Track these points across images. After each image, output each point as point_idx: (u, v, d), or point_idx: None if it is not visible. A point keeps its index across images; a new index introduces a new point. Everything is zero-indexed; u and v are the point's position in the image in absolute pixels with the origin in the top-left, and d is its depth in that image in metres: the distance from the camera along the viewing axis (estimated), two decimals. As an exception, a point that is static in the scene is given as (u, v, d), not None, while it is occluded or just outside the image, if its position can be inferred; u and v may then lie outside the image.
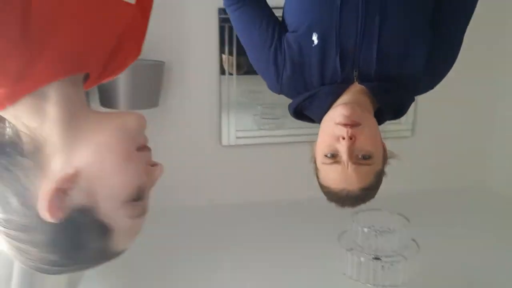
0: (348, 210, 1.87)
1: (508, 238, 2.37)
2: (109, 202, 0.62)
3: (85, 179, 0.60)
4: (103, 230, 0.62)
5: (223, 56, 2.63)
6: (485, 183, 3.08)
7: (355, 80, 1.16)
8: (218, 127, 2.72)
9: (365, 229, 1.80)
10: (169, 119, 2.65)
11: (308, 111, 1.22)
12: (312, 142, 1.18)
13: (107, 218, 0.62)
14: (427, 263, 1.85)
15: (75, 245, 0.62)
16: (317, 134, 1.16)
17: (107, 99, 2.38)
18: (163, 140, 2.58)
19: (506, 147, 3.02)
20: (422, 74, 1.17)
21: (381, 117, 1.18)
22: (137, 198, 0.64)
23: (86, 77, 0.71)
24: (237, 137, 2.74)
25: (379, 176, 1.13)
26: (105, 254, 0.65)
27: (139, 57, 2.63)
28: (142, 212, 0.66)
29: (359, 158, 1.07)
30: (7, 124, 0.60)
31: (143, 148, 0.68)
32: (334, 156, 1.09)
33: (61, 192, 0.58)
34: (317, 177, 1.17)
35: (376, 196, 2.22)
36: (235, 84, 2.66)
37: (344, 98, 1.14)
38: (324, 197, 1.17)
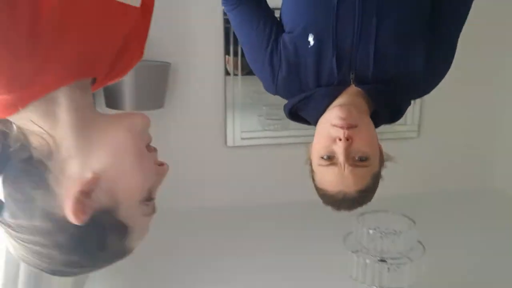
0: (353, 212, 1.88)
1: (515, 240, 2.36)
2: (128, 201, 0.64)
3: (106, 181, 0.62)
4: (123, 229, 0.65)
5: (227, 57, 2.63)
6: (491, 184, 3.06)
7: (351, 82, 1.14)
8: (223, 128, 2.72)
9: (371, 231, 1.79)
10: (175, 120, 2.65)
11: (303, 112, 1.21)
12: (308, 144, 1.17)
13: (126, 217, 0.64)
14: (433, 265, 1.84)
15: (98, 246, 0.64)
16: None
17: (113, 100, 2.39)
18: (168, 141, 2.59)
19: (513, 148, 3.00)
20: (421, 75, 1.16)
21: (377, 120, 1.17)
22: (149, 197, 0.67)
23: (93, 81, 0.71)
24: (242, 138, 2.74)
25: (376, 178, 1.12)
26: (122, 253, 0.67)
27: (145, 58, 2.64)
28: (153, 211, 0.69)
29: (356, 160, 1.06)
30: (17, 130, 0.60)
31: (150, 148, 0.70)
32: (330, 158, 1.07)
33: (84, 194, 0.60)
34: (313, 180, 1.15)
35: (382, 197, 2.20)
36: (240, 85, 2.65)
37: (340, 100, 1.13)
38: None
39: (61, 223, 0.60)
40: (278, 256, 2.16)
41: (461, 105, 2.96)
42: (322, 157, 1.08)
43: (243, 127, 2.72)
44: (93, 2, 0.61)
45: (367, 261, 1.73)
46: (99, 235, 0.63)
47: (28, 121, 0.60)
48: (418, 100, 2.89)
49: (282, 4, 1.22)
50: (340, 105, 1.10)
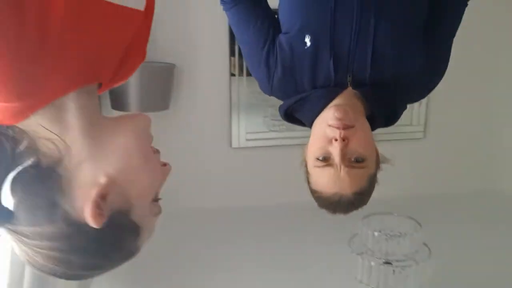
0: (358, 214, 1.87)
1: (522, 242, 2.34)
2: (140, 202, 0.66)
3: (119, 184, 0.63)
4: (136, 230, 0.66)
5: (232, 58, 2.63)
6: (497, 185, 3.04)
7: (348, 85, 1.13)
8: (228, 129, 2.72)
9: (376, 233, 1.78)
10: (180, 121, 2.65)
11: (299, 113, 1.20)
12: (303, 146, 1.16)
13: (138, 218, 0.66)
14: (439, 268, 1.82)
15: (115, 247, 0.65)
16: None
17: (118, 102, 2.40)
18: (173, 142, 2.59)
19: (520, 149, 2.98)
20: (418, 78, 1.15)
21: (373, 123, 1.15)
22: (156, 198, 0.69)
23: (99, 84, 0.72)
24: (247, 139, 2.74)
25: (372, 180, 1.10)
26: (133, 253, 0.68)
27: (150, 60, 2.63)
28: (160, 211, 0.70)
29: (352, 161, 1.05)
30: (26, 136, 0.61)
31: (153, 149, 0.71)
32: (326, 159, 1.06)
33: (101, 198, 0.61)
34: (308, 182, 1.13)
35: (387, 198, 2.19)
36: (245, 86, 2.66)
37: (337, 101, 1.12)
38: None
39: (80, 227, 0.60)
40: (283, 258, 2.16)
41: (467, 106, 2.94)
42: (318, 158, 1.07)
43: (248, 128, 2.72)
44: (100, 8, 0.61)
45: (372, 263, 1.73)
46: (116, 236, 0.64)
47: (38, 127, 0.60)
48: (424, 101, 2.88)
49: (279, 4, 1.20)
50: (336, 106, 1.09)
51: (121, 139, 0.65)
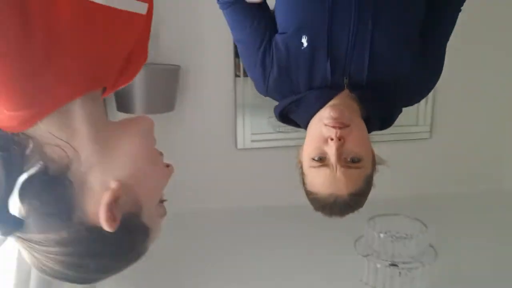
0: (364, 215, 1.86)
1: (530, 243, 2.32)
2: (149, 204, 0.67)
3: (129, 187, 0.64)
4: (146, 231, 0.67)
5: (237, 59, 2.63)
6: (505, 186, 3.01)
7: (345, 87, 1.12)
8: (234, 130, 2.72)
9: (382, 235, 1.78)
10: (185, 123, 2.66)
11: (294, 114, 1.19)
12: (299, 147, 1.14)
13: (147, 219, 0.67)
14: (446, 269, 1.82)
15: (128, 250, 0.67)
16: None
17: (123, 104, 2.40)
18: (178, 143, 2.60)
19: (527, 149, 2.95)
20: (415, 80, 1.14)
21: (368, 126, 1.14)
22: (162, 199, 0.70)
23: (103, 89, 0.72)
24: (252, 141, 2.73)
25: (369, 181, 1.09)
26: (142, 254, 0.70)
27: (155, 62, 2.63)
28: (165, 212, 0.71)
29: (348, 161, 1.03)
30: (33, 143, 0.61)
31: (157, 151, 0.73)
32: (322, 160, 1.04)
33: (114, 202, 0.62)
34: (303, 183, 1.12)
35: (393, 198, 2.18)
36: (250, 87, 2.65)
37: (333, 102, 1.11)
38: None
39: (93, 231, 0.61)
40: (288, 259, 2.15)
41: (473, 106, 2.92)
42: (313, 159, 1.05)
43: (253, 129, 2.72)
44: (104, 14, 0.62)
45: (378, 265, 1.72)
46: (128, 238, 0.65)
47: (46, 133, 0.60)
48: (430, 101, 2.87)
49: (275, 4, 1.19)
50: (332, 105, 1.08)
51: (128, 143, 0.66)
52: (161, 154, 0.73)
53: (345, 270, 1.85)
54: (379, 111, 1.15)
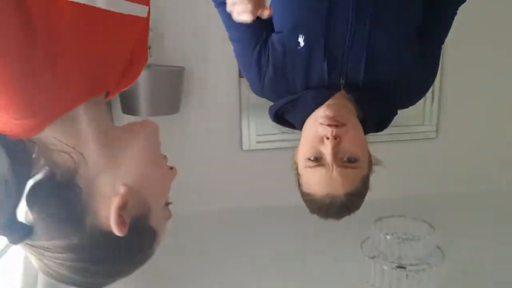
0: (370, 216, 1.85)
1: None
2: (156, 207, 0.68)
3: (137, 191, 0.64)
4: (154, 234, 0.68)
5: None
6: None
7: (341, 87, 1.11)
8: (239, 131, 2.72)
9: (388, 236, 1.77)
10: (190, 124, 2.66)
11: (289, 115, 1.17)
12: (294, 148, 1.13)
13: (155, 222, 0.68)
14: (453, 271, 1.80)
15: (137, 253, 0.67)
16: None
17: (128, 106, 2.40)
18: (184, 145, 2.60)
19: (535, 148, 2.92)
20: (411, 82, 1.13)
21: (363, 127, 1.11)
22: (167, 201, 0.71)
23: (106, 92, 0.72)
24: (258, 142, 2.73)
25: (365, 182, 1.07)
26: (150, 257, 0.70)
27: (159, 63, 2.62)
28: (170, 215, 0.72)
29: (344, 161, 1.02)
30: (39, 149, 0.61)
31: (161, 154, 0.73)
32: (318, 160, 1.02)
33: (122, 207, 0.62)
34: (299, 185, 1.10)
35: (400, 198, 2.16)
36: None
37: (329, 102, 1.09)
38: None
39: (103, 236, 0.62)
40: (294, 261, 2.15)
41: (480, 106, 2.89)
42: (309, 159, 1.04)
43: (258, 130, 2.71)
44: (105, 19, 0.61)
45: (385, 267, 1.71)
46: (137, 242, 0.66)
47: (52, 140, 0.60)
48: (436, 100, 2.85)
49: (271, 3, 1.16)
50: (328, 105, 1.07)
51: (134, 147, 0.67)
52: (165, 157, 0.73)
53: (352, 272, 1.84)
54: (375, 113, 1.14)
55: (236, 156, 2.74)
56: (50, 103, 0.57)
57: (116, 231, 0.61)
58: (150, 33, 2.57)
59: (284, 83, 1.14)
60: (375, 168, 1.11)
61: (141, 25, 0.72)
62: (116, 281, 0.70)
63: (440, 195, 2.74)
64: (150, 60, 2.44)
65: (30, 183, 0.60)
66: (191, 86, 2.61)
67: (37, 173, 0.61)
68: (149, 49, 2.45)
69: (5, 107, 0.53)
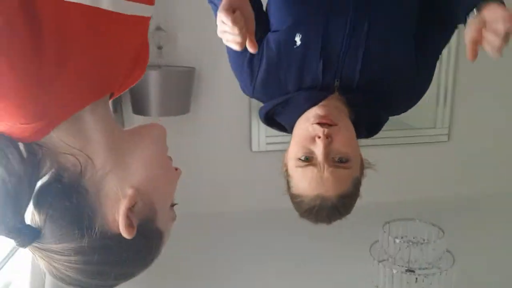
0: (380, 219, 1.84)
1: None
2: (162, 208, 0.68)
3: (144, 193, 0.65)
4: (161, 235, 0.69)
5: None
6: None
7: (335, 90, 1.09)
8: (248, 133, 2.71)
9: (397, 240, 1.75)
10: (200, 125, 2.66)
11: (280, 116, 1.16)
12: (284, 151, 1.11)
13: (161, 224, 0.68)
14: (464, 275, 1.77)
15: (145, 254, 0.68)
16: None
17: (139, 106, 2.41)
18: (193, 146, 2.60)
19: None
20: (406, 87, 1.12)
21: (355, 131, 1.10)
22: (173, 203, 0.71)
23: (111, 94, 0.72)
24: (267, 143, 2.72)
25: (357, 184, 1.05)
26: (156, 258, 0.70)
27: (170, 64, 2.62)
28: (175, 216, 0.72)
29: (336, 161, 1.00)
30: (46, 152, 0.61)
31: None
32: (308, 160, 1.00)
33: (130, 209, 0.62)
34: (288, 187, 1.08)
35: (411, 202, 2.13)
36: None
37: (321, 103, 1.07)
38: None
39: (111, 239, 0.62)
40: (302, 263, 2.14)
41: (493, 108, 2.86)
42: (300, 158, 1.02)
43: (268, 131, 2.71)
44: (111, 20, 0.61)
45: (394, 271, 1.69)
46: (144, 244, 0.66)
47: (59, 142, 0.60)
48: (448, 103, 2.82)
49: (268, 2, 1.15)
50: (320, 105, 1.05)
51: (142, 150, 0.67)
52: (170, 159, 0.73)
53: (360, 276, 1.82)
54: (366, 117, 1.12)
55: (246, 157, 2.74)
56: (56, 107, 0.57)
57: (124, 234, 0.62)
58: (162, 34, 2.58)
59: (277, 83, 1.12)
60: (376, 170, 1.10)
61: (146, 25, 0.73)
62: (124, 282, 0.71)
63: (451, 198, 2.71)
64: (160, 61, 2.45)
65: (37, 185, 0.60)
66: (202, 87, 2.62)
67: (44, 175, 0.61)
68: (161, 49, 2.47)
69: (12, 112, 0.53)
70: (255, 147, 2.72)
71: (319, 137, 0.99)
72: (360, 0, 1.06)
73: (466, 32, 0.90)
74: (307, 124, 1.03)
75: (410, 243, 1.75)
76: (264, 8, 1.18)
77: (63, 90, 0.56)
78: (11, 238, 0.59)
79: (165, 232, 0.69)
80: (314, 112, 1.03)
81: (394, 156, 2.67)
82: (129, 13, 0.64)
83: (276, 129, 1.22)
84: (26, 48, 0.51)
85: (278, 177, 2.96)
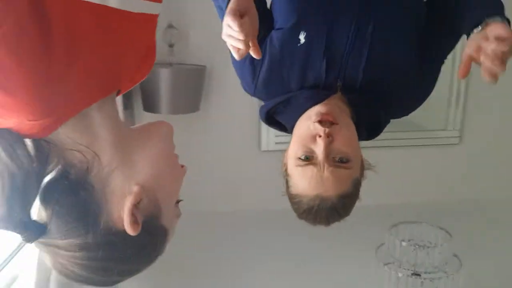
0: (386, 222, 1.83)
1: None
2: (167, 205, 0.68)
3: (150, 190, 0.65)
4: (165, 232, 0.69)
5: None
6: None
7: (338, 89, 1.08)
8: (258, 132, 2.72)
9: (404, 243, 1.74)
10: (209, 123, 2.67)
11: (281, 116, 1.15)
12: (284, 151, 1.10)
13: (166, 221, 0.68)
14: (471, 280, 1.76)
15: (149, 251, 0.68)
16: None
17: (149, 103, 2.43)
18: (203, 144, 2.61)
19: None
20: (407, 92, 1.11)
21: (356, 132, 1.08)
22: (178, 200, 0.71)
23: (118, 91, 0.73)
24: (276, 143, 2.72)
25: (357, 184, 1.03)
26: (160, 254, 0.71)
27: (181, 62, 2.62)
28: (180, 213, 0.73)
29: (336, 161, 0.98)
30: (53, 149, 0.61)
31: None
32: (309, 159, 0.99)
33: (135, 206, 0.63)
34: (287, 187, 1.06)
35: (416, 206, 2.11)
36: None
37: (323, 102, 1.06)
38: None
39: (117, 235, 0.62)
40: (306, 264, 2.13)
41: (505, 110, 2.83)
42: (300, 158, 1.00)
43: (277, 131, 2.70)
44: (120, 18, 0.62)
45: (400, 274, 1.68)
46: (149, 240, 0.66)
47: (65, 139, 0.61)
48: (460, 105, 2.79)
49: (273, 1, 1.14)
50: (322, 103, 1.04)
51: (150, 148, 0.67)
52: (176, 156, 0.74)
53: (365, 279, 1.82)
54: (368, 118, 1.11)
55: (255, 157, 2.74)
56: (65, 104, 0.58)
57: (129, 230, 0.62)
58: (174, 32, 2.59)
59: (279, 81, 1.11)
60: (377, 171, 1.09)
61: (154, 22, 0.73)
62: (128, 278, 0.71)
63: (459, 201, 2.69)
64: (172, 59, 2.46)
65: (44, 181, 0.61)
66: (212, 85, 2.63)
67: (51, 172, 0.61)
68: (172, 47, 2.48)
69: (20, 109, 0.54)
70: (264, 146, 2.72)
71: (320, 136, 0.98)
72: (364, 1, 1.05)
73: (467, 45, 0.89)
74: (309, 122, 1.02)
75: (417, 246, 1.73)
76: (268, 6, 1.18)
77: (72, 88, 0.57)
78: (17, 232, 0.60)
79: (169, 229, 0.70)
80: (316, 110, 1.02)
81: (403, 158, 2.65)
82: (137, 11, 0.64)
83: (276, 129, 1.21)
84: (35, 46, 0.51)
85: (286, 177, 2.94)
